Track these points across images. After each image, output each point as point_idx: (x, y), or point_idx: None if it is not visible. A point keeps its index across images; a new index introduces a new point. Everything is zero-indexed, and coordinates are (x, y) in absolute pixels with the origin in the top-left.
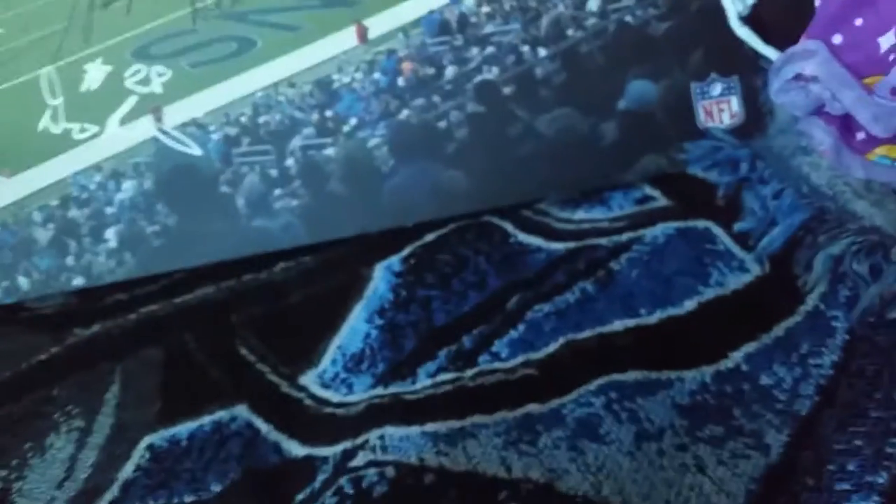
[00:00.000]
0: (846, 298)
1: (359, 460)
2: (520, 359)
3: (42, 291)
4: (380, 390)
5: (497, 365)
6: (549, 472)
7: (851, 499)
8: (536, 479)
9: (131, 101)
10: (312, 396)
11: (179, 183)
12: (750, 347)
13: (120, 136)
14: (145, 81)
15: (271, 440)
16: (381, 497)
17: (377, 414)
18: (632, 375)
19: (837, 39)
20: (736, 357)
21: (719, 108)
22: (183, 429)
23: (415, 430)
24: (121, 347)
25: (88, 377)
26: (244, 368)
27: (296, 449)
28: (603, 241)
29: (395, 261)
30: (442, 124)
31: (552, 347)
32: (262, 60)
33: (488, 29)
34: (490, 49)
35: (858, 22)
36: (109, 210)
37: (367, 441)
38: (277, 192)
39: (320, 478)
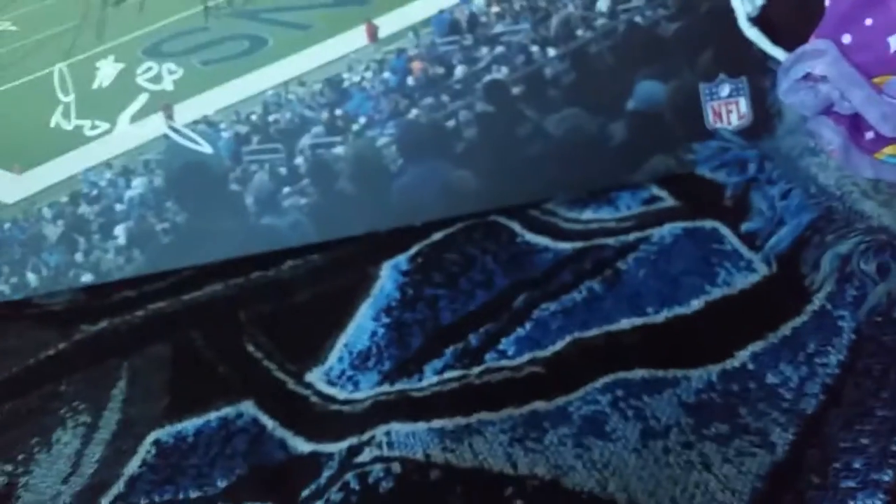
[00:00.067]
0: (853, 298)
1: (365, 456)
2: (526, 357)
3: (51, 288)
4: (386, 387)
5: (504, 363)
6: (555, 468)
7: (857, 496)
8: (542, 476)
9: (142, 99)
10: (318, 393)
11: (189, 180)
12: (756, 346)
13: (131, 133)
14: (157, 79)
15: (277, 436)
16: (387, 492)
17: (383, 411)
18: (638, 373)
19: (847, 39)
20: (742, 356)
21: (727, 108)
22: (189, 425)
23: (421, 426)
24: (128, 344)
25: (96, 373)
26: (251, 365)
27: (301, 445)
28: (610, 240)
29: (402, 259)
30: (451, 124)
31: (559, 345)
32: (272, 59)
33: (498, 29)
34: (499, 49)
35: (868, 22)
36: (119, 207)
37: (373, 437)
38: (286, 190)
39: (326, 474)
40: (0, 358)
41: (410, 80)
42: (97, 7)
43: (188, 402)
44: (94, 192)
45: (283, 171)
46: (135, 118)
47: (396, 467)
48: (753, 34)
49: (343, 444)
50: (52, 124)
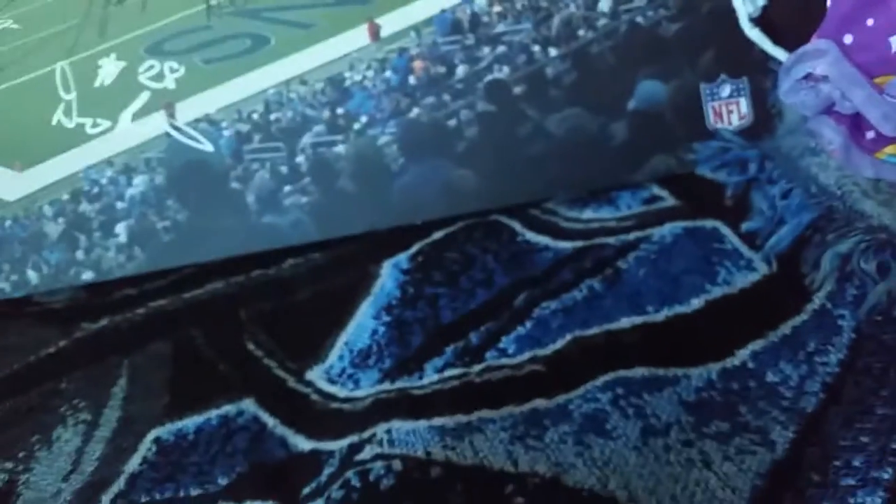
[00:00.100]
0: (853, 297)
1: (365, 454)
2: (527, 355)
3: (52, 285)
4: (386, 385)
5: (504, 361)
6: (555, 466)
7: (857, 494)
8: (543, 474)
9: (144, 97)
10: (319, 391)
11: (190, 179)
12: (756, 345)
13: (132, 131)
14: (158, 77)
15: (278, 434)
16: (388, 490)
17: (384, 408)
18: (639, 372)
19: (848, 39)
20: (742, 355)
21: (728, 109)
22: (190, 422)
23: (422, 424)
24: (129, 341)
25: (96, 371)
26: (252, 363)
27: (302, 443)
28: (610, 240)
29: (403, 258)
30: (452, 123)
31: (559, 344)
32: (274, 57)
33: (500, 28)
34: (501, 48)
35: (870, 22)
36: (120, 205)
37: (373, 435)
38: (287, 188)
39: (326, 471)
40: (1, 355)
41: (412, 80)
42: (99, 5)
43: (189, 399)
44: (96, 189)
45: (284, 169)
46: (136, 116)
47: (397, 465)
48: (755, 35)
49: (344, 442)
50: (54, 122)
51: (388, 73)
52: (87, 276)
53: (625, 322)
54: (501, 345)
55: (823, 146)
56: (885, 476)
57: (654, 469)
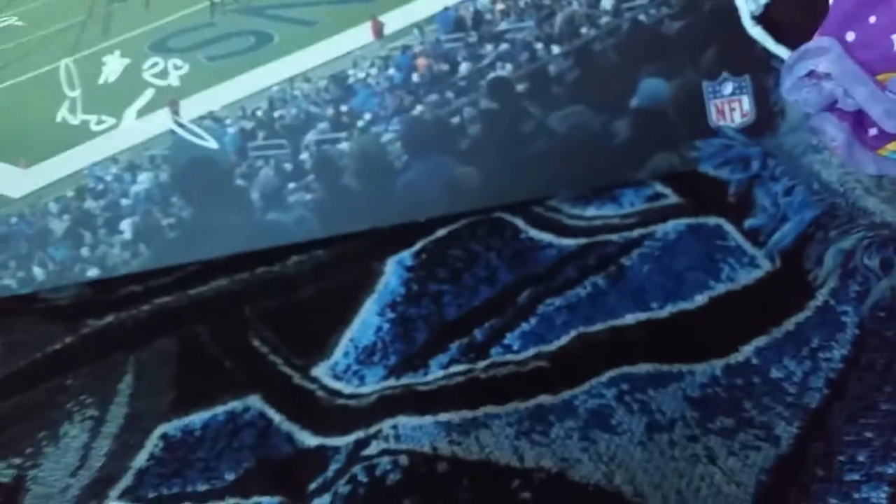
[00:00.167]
0: (856, 293)
1: (372, 449)
2: (532, 351)
3: (57, 282)
4: (392, 381)
5: (509, 357)
6: (561, 461)
7: (861, 489)
8: (549, 468)
9: (148, 94)
10: (324, 388)
11: (195, 176)
12: (760, 341)
13: (137, 128)
14: (163, 74)
15: (284, 430)
16: (395, 484)
17: (390, 404)
18: (643, 368)
19: (851, 36)
20: (746, 351)
21: (731, 106)
22: (196, 418)
23: (428, 419)
24: (135, 338)
25: (102, 367)
26: (257, 360)
27: (308, 439)
28: (614, 237)
29: (406, 255)
30: (455, 120)
31: (564, 340)
32: (278, 55)
33: (503, 26)
34: (504, 46)
35: (872, 19)
36: (125, 202)
37: (380, 430)
38: (291, 185)
39: (333, 467)
40: (7, 352)
41: (415, 77)
42: (103, 2)
43: (195, 396)
44: (100, 186)
45: (288, 166)
46: (141, 113)
47: (404, 460)
48: (757, 33)
49: (350, 438)
50: (59, 119)
51: (391, 71)
52: (93, 272)
53: (629, 318)
54: (506, 341)
55: (826, 143)
56: (890, 471)
57: (660, 464)
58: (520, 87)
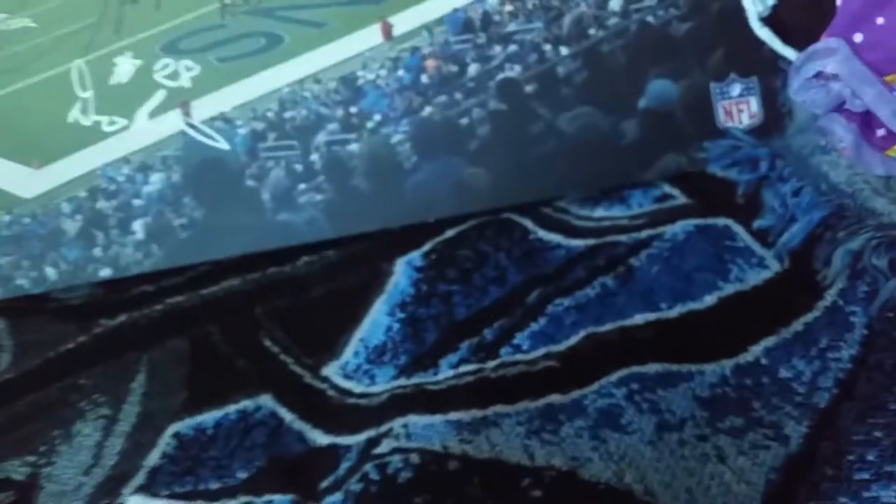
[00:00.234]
0: (865, 293)
1: (383, 447)
2: (541, 351)
3: (69, 282)
4: (402, 381)
5: (519, 357)
6: (571, 460)
7: (871, 488)
8: (559, 467)
9: (160, 95)
10: (335, 387)
11: (206, 176)
12: (769, 342)
13: (148, 129)
14: (174, 76)
15: (295, 429)
16: (406, 482)
17: (400, 403)
18: (653, 368)
19: (858, 38)
20: (755, 351)
21: (738, 108)
22: (209, 417)
23: (438, 418)
24: (147, 338)
25: (115, 367)
26: (268, 359)
27: (319, 438)
28: (623, 238)
29: (416, 256)
30: (464, 121)
31: (573, 340)
32: (288, 56)
33: (511, 27)
34: (512, 47)
35: (880, 20)
36: (137, 202)
37: (390, 429)
38: (302, 186)
39: (344, 465)
40: (20, 351)
41: (424, 78)
42: (115, 4)
43: (207, 395)
44: (113, 187)
45: (298, 167)
46: (152, 114)
47: (415, 458)
48: (764, 34)
49: (361, 437)
50: (71, 120)
51: (400, 72)
52: (105, 272)
53: (638, 319)
54: (515, 341)
55: (834, 144)
56: None
57: (670, 463)
58: (528, 89)
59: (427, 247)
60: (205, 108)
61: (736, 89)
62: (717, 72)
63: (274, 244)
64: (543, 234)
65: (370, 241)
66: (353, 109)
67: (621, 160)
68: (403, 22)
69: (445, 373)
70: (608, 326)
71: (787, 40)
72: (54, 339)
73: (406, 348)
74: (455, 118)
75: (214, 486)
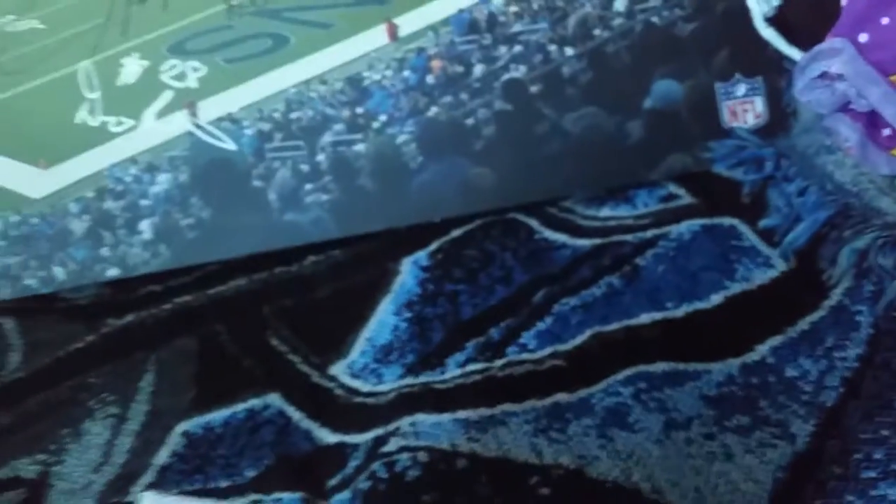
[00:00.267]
0: (871, 293)
1: (391, 446)
2: (548, 350)
3: (77, 282)
4: (409, 380)
5: (525, 356)
6: (579, 458)
7: (878, 486)
8: (567, 465)
9: (167, 96)
10: (342, 386)
11: (213, 177)
12: (775, 341)
13: (155, 129)
14: (181, 76)
15: (303, 428)
16: (414, 480)
17: (408, 402)
18: (659, 367)
19: (864, 38)
20: (762, 350)
21: (743, 108)
22: (217, 416)
23: (446, 417)
24: (155, 337)
25: (123, 366)
26: (276, 358)
27: (327, 436)
28: (628, 237)
29: (422, 255)
30: (470, 122)
31: (580, 339)
32: (295, 57)
33: (516, 28)
34: (518, 48)
35: (885, 21)
36: (144, 202)
37: (398, 428)
38: (308, 186)
39: (352, 464)
40: (30, 350)
41: (430, 79)
42: (121, 5)
43: (215, 394)
44: (120, 187)
45: (305, 167)
46: (159, 115)
47: (423, 456)
48: (769, 34)
49: (369, 435)
50: (78, 120)
51: (406, 73)
52: (113, 272)
53: (644, 318)
54: (522, 340)
55: (839, 144)
56: None
57: (677, 461)
58: (533, 89)
59: (433, 246)
60: (212, 108)
61: (741, 89)
62: (723, 72)
63: (281, 244)
64: (549, 233)
65: (376, 241)
66: (359, 110)
67: (627, 160)
68: (409, 23)
69: (452, 372)
70: (614, 326)
71: (792, 40)
72: (63, 338)
73: (413, 347)
74: (461, 118)
75: (223, 484)
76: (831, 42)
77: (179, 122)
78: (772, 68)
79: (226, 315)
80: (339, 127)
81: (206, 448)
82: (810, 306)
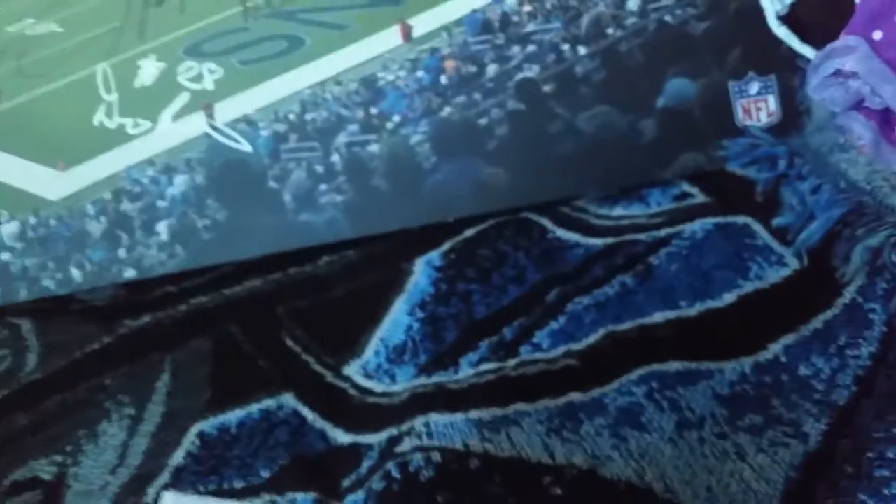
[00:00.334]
0: (884, 291)
1: (405, 446)
2: (561, 349)
3: (94, 283)
4: (423, 380)
5: (539, 355)
6: (592, 458)
7: (891, 485)
8: (580, 465)
9: (184, 98)
10: (356, 386)
11: (229, 178)
12: (788, 339)
13: (172, 131)
14: (197, 78)
15: (317, 428)
16: (428, 480)
17: (421, 402)
18: (673, 366)
19: (878, 35)
20: (775, 349)
21: (757, 106)
22: (232, 416)
23: (459, 417)
24: (171, 338)
25: (139, 367)
26: (290, 359)
27: (341, 436)
28: (641, 236)
29: (435, 255)
30: (483, 121)
31: (593, 339)
32: (309, 58)
33: (529, 28)
34: (531, 47)
35: None
36: (161, 204)
37: (412, 428)
38: (323, 187)
39: (366, 464)
40: (46, 352)
41: (443, 79)
42: (139, 8)
43: (230, 394)
44: (137, 189)
45: (319, 168)
46: (176, 117)
47: (436, 456)
48: (782, 32)
49: (383, 435)
50: (96, 122)
51: (420, 73)
52: (129, 273)
53: (658, 317)
54: (535, 340)
55: (853, 142)
56: None
57: (690, 461)
58: (547, 88)
59: (446, 246)
60: (228, 110)
61: (754, 87)
62: (736, 70)
63: (295, 244)
64: (562, 233)
65: (390, 241)
66: (373, 110)
67: (640, 159)
68: (423, 23)
69: (466, 371)
70: (628, 325)
71: (805, 38)
72: (80, 339)
73: (426, 347)
74: (474, 118)
75: (238, 484)
76: (845, 40)
77: (196, 124)
78: (785, 66)
79: (241, 316)
80: (353, 127)
81: (222, 449)
82: (823, 304)
